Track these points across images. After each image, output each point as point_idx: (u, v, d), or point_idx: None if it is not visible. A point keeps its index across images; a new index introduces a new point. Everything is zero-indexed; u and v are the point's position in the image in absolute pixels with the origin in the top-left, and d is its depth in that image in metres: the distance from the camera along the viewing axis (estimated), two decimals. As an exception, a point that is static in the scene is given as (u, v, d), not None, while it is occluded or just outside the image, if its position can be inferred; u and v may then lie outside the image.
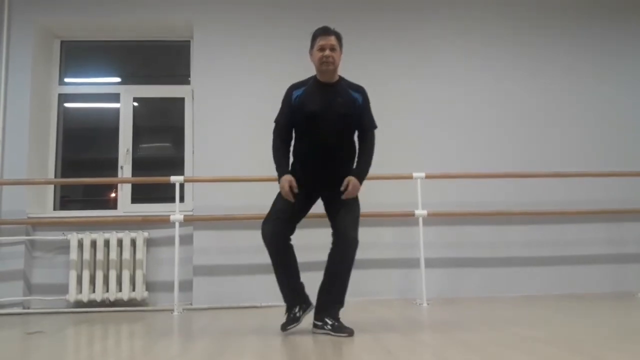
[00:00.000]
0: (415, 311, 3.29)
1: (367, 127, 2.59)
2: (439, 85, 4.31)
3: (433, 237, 4.07)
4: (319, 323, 2.44)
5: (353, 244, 2.44)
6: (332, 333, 2.38)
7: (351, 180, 2.48)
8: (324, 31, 2.49)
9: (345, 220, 2.47)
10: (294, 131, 2.58)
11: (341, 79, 2.59)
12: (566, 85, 4.41)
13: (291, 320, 2.50)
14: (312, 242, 3.38)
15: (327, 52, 2.44)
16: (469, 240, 4.12)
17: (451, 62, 4.36)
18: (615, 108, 4.42)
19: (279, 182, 2.49)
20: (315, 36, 2.52)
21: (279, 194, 2.53)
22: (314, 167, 2.52)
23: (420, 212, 3.75)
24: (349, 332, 2.36)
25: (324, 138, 2.47)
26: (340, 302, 2.48)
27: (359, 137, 2.60)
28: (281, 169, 2.51)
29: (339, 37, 2.52)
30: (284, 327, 2.49)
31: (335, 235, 2.49)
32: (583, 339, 2.18)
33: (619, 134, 4.38)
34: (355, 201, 2.56)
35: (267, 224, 2.49)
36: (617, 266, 4.18)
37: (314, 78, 2.58)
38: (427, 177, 3.84)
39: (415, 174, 3.82)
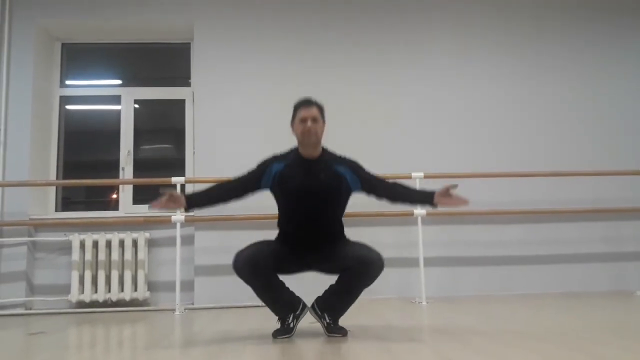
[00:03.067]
0: (414, 310, 3.31)
1: (378, 182, 2.44)
2: (438, 85, 4.34)
3: (432, 236, 4.10)
4: (319, 312, 2.41)
5: (379, 262, 2.28)
6: (327, 333, 2.38)
7: (446, 194, 2.32)
8: (305, 103, 2.36)
9: (357, 251, 2.31)
10: (278, 207, 2.45)
11: (325, 152, 2.43)
12: (563, 85, 4.43)
13: (284, 330, 2.40)
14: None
15: (309, 124, 2.30)
16: (468, 239, 4.14)
17: (450, 62, 4.38)
18: (613, 107, 4.44)
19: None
20: (296, 108, 2.39)
21: (263, 242, 2.41)
22: (298, 244, 2.38)
23: (419, 211, 3.78)
24: (343, 333, 2.36)
25: (306, 216, 2.34)
26: (345, 310, 2.43)
27: (382, 194, 2.43)
28: (190, 195, 2.35)
29: (320, 108, 2.39)
30: (275, 336, 2.38)
31: (355, 265, 2.28)
32: (582, 337, 2.20)
33: (616, 133, 4.40)
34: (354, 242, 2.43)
35: (243, 251, 2.33)
36: (615, 264, 4.20)
37: (295, 152, 2.42)
38: (425, 176, 3.87)
39: (414, 174, 3.84)
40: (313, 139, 2.34)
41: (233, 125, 4.16)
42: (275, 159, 2.44)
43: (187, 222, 3.82)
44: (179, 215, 3.68)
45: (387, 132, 4.23)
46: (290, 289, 2.43)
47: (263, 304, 2.43)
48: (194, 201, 2.36)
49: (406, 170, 4.02)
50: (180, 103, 4.47)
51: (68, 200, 4.40)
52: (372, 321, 2.84)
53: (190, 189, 4.22)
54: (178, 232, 3.70)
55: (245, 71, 4.25)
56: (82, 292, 3.80)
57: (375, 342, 2.22)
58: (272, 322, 2.92)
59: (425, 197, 2.40)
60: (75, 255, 3.81)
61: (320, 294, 2.45)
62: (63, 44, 4.52)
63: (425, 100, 4.32)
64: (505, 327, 2.51)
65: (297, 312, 2.42)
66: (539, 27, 4.49)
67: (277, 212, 2.47)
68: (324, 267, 2.42)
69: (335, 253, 2.35)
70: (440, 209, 4.04)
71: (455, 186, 2.33)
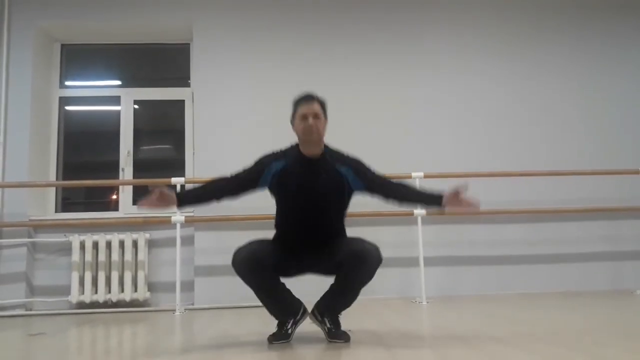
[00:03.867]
0: (414, 310, 3.31)
1: (382, 182, 2.33)
2: (438, 85, 4.34)
3: (432, 236, 4.10)
4: (319, 317, 2.29)
5: (375, 254, 2.15)
6: (329, 338, 2.26)
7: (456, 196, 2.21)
8: (306, 98, 2.24)
9: (351, 244, 2.18)
10: (276, 208, 2.35)
11: (327, 150, 2.31)
12: (563, 84, 4.44)
13: (281, 335, 2.27)
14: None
15: (311, 121, 2.18)
16: (468, 239, 4.15)
17: (449, 62, 4.38)
18: (612, 107, 4.44)
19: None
20: (296, 103, 2.26)
21: (262, 240, 2.31)
22: (297, 245, 2.29)
23: (419, 211, 3.78)
24: (345, 339, 2.23)
25: (306, 217, 2.25)
26: (347, 307, 2.30)
27: (388, 195, 2.32)
28: (181, 193, 2.26)
29: (322, 104, 2.26)
30: (272, 341, 2.25)
31: (349, 259, 2.15)
32: (582, 337, 2.20)
33: (616, 133, 4.40)
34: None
35: (242, 248, 2.22)
36: (615, 264, 4.20)
37: (295, 150, 2.30)
38: (425, 176, 3.87)
39: (414, 174, 3.85)
40: (315, 136, 2.22)
41: (233, 126, 4.17)
42: (274, 157, 2.32)
43: (187, 223, 3.82)
44: (178, 216, 3.69)
45: (387, 131, 4.24)
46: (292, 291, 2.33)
47: (262, 304, 2.30)
48: (186, 199, 2.26)
49: (406, 170, 4.02)
50: (180, 103, 4.47)
51: (68, 201, 4.40)
52: (372, 321, 2.84)
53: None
54: (178, 232, 3.70)
55: (245, 71, 4.25)
56: (82, 293, 3.80)
57: (375, 342, 2.22)
58: (272, 322, 2.92)
59: (433, 200, 2.27)
60: (75, 256, 3.81)
61: (318, 295, 2.38)
62: (62, 45, 4.52)
63: (425, 100, 4.32)
64: (506, 326, 2.51)
65: (297, 317, 2.30)
66: (539, 27, 4.49)
67: (275, 213, 2.36)
68: (322, 269, 2.33)
69: (332, 252, 2.24)
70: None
71: (465, 187, 2.20)
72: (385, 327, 2.61)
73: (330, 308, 2.29)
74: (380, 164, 4.13)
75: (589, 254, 4.21)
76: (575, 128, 4.38)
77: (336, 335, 2.25)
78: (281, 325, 2.31)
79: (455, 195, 2.21)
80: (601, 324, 2.51)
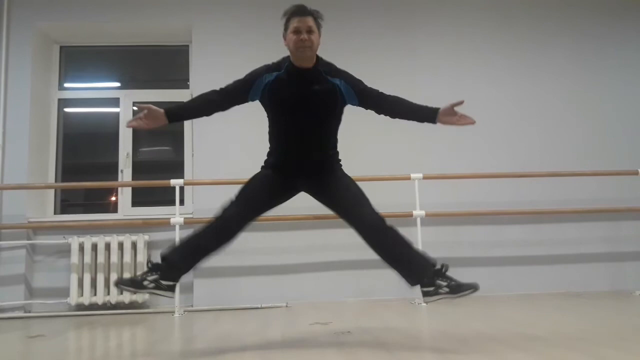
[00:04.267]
0: (414, 311, 3.31)
1: (376, 95, 2.30)
2: (436, 86, 4.34)
3: (431, 237, 4.09)
4: (430, 289, 2.12)
5: (389, 231, 2.19)
6: (452, 295, 2.07)
7: (451, 110, 2.24)
8: (299, 11, 2.16)
9: (362, 212, 2.18)
10: (268, 122, 2.31)
11: (319, 62, 2.25)
12: (563, 85, 4.44)
13: (134, 283, 2.10)
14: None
15: (304, 35, 2.12)
16: (467, 240, 4.15)
17: (448, 62, 4.39)
18: (612, 108, 4.45)
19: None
20: (288, 17, 2.18)
21: (254, 178, 2.28)
22: (291, 159, 2.26)
23: (418, 212, 3.78)
24: (473, 287, 2.04)
25: (300, 128, 2.22)
26: (430, 262, 2.18)
27: (381, 108, 2.30)
28: (170, 108, 2.18)
29: (316, 17, 2.19)
30: (120, 283, 2.09)
31: (363, 232, 2.21)
32: (582, 337, 2.20)
33: (616, 133, 4.41)
34: (349, 181, 2.29)
35: (230, 208, 2.19)
36: (614, 264, 4.20)
37: (288, 62, 2.24)
38: (424, 177, 3.87)
39: (413, 175, 3.84)
40: (308, 52, 2.15)
41: (231, 127, 4.16)
42: (267, 69, 2.27)
43: (186, 224, 3.82)
44: (177, 218, 3.68)
45: (387, 133, 4.24)
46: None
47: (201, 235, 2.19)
48: (176, 114, 2.21)
49: (405, 171, 4.02)
50: (179, 105, 4.47)
51: (67, 202, 4.40)
52: (371, 322, 2.84)
53: (189, 190, 4.22)
54: (177, 234, 3.70)
55: (244, 73, 4.23)
56: (81, 295, 3.79)
57: (375, 343, 2.22)
58: (272, 323, 2.92)
59: (427, 114, 2.27)
60: (74, 257, 3.81)
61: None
62: (61, 47, 4.52)
63: (424, 101, 4.31)
64: (506, 327, 2.51)
65: (164, 283, 2.13)
66: (538, 27, 4.50)
67: (268, 127, 2.32)
68: (318, 197, 2.30)
69: (327, 182, 2.22)
70: (441, 210, 4.07)
71: (460, 103, 2.19)
72: (385, 328, 2.61)
73: (418, 269, 2.18)
74: (380, 165, 4.16)
75: (588, 255, 4.21)
76: (575, 129, 4.39)
77: (459, 287, 2.09)
78: (152, 270, 2.13)
79: (450, 109, 2.24)
80: (601, 324, 2.51)
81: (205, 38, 4.27)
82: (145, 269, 2.21)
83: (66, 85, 4.51)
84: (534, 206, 4.20)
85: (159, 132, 4.59)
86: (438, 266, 2.17)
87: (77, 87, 4.54)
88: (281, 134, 2.28)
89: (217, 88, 2.29)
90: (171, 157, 4.48)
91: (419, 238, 3.78)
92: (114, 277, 3.82)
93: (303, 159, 2.27)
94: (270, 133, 2.33)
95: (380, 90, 2.33)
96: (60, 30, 4.34)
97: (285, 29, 2.21)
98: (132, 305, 3.87)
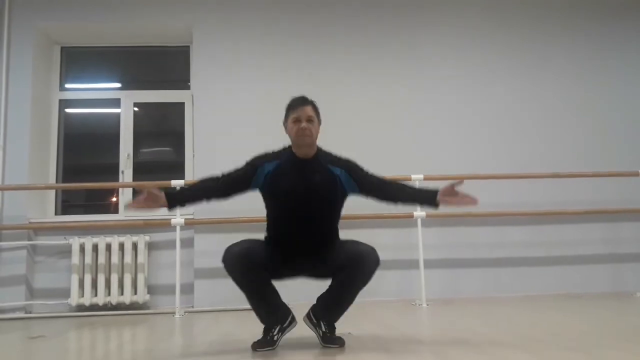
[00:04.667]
0: (414, 312, 3.31)
1: (376, 183, 2.30)
2: (437, 87, 4.34)
3: (432, 238, 4.10)
4: (314, 320, 2.26)
5: (373, 256, 2.15)
6: (323, 343, 2.22)
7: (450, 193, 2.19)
8: (299, 101, 2.24)
9: (348, 247, 2.19)
10: (266, 211, 2.31)
11: (319, 152, 2.30)
12: (563, 86, 4.44)
13: (266, 342, 2.19)
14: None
15: (304, 124, 2.18)
16: (468, 241, 4.15)
17: (449, 64, 4.39)
18: (612, 108, 4.45)
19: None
20: (289, 107, 2.26)
21: (254, 240, 2.25)
22: (288, 249, 2.25)
23: (419, 213, 3.78)
24: (340, 344, 2.19)
25: (299, 218, 2.21)
26: (343, 312, 2.27)
27: (382, 196, 2.30)
28: (171, 193, 2.18)
29: (315, 107, 2.26)
30: (256, 348, 2.17)
31: (347, 262, 2.15)
32: (582, 339, 2.20)
33: (616, 135, 4.40)
34: (342, 243, 2.28)
35: (234, 246, 2.16)
36: (615, 266, 4.20)
37: (289, 152, 2.28)
38: (425, 178, 3.87)
39: (413, 176, 3.84)
40: (308, 140, 2.21)
41: (233, 128, 4.17)
42: (266, 158, 2.29)
43: (187, 225, 3.82)
44: (178, 219, 3.68)
45: (387, 134, 4.24)
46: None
47: (250, 307, 2.23)
48: (175, 200, 2.20)
49: (406, 172, 4.02)
50: (180, 106, 4.47)
51: (67, 203, 4.40)
52: (371, 323, 2.84)
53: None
54: (178, 235, 3.70)
55: (245, 74, 4.25)
56: (82, 296, 3.80)
57: (375, 344, 2.22)
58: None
59: (427, 199, 2.24)
60: (75, 258, 3.81)
61: (316, 295, 2.36)
62: (62, 48, 4.53)
63: (425, 101, 4.33)
64: (506, 329, 2.51)
65: (285, 325, 2.23)
66: (538, 28, 4.50)
67: (266, 216, 2.31)
68: (316, 273, 2.29)
69: (327, 258, 2.21)
70: (441, 210, 4.06)
71: (460, 183, 2.16)
72: (386, 330, 2.61)
73: (326, 312, 2.25)
74: (380, 167, 4.14)
75: (589, 256, 4.21)
76: (575, 130, 4.39)
77: (331, 339, 2.21)
78: (267, 332, 2.23)
79: (451, 189, 2.18)
80: (601, 326, 2.51)
81: (206, 39, 4.27)
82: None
83: (67, 85, 4.52)
84: (534, 207, 4.20)
85: (159, 133, 4.59)
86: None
87: (78, 88, 4.54)
88: (280, 223, 2.27)
89: (219, 174, 2.27)
90: (172, 158, 4.49)
91: (420, 239, 3.78)
92: (114, 277, 3.83)
93: (302, 245, 2.25)
94: (268, 220, 2.32)
95: (380, 177, 2.32)
96: (61, 30, 4.34)
97: (286, 118, 2.26)
98: (133, 306, 3.87)
